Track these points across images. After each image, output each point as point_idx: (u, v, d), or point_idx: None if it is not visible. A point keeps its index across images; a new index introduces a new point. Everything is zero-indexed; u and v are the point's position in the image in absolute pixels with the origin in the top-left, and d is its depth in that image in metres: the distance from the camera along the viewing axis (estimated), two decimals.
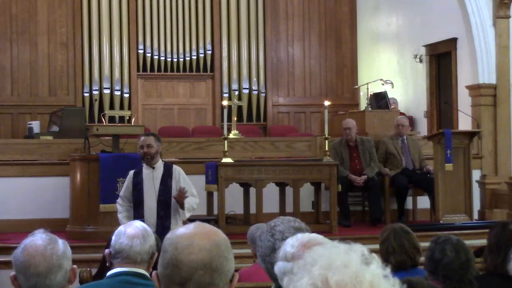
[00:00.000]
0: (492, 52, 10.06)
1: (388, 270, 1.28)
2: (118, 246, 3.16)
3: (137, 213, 6.13)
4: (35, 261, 2.54)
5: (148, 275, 3.13)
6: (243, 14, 13.12)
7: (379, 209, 8.86)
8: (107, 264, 3.26)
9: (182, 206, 6.06)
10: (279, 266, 2.42)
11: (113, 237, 3.22)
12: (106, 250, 3.25)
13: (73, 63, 12.55)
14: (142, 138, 6.22)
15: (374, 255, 1.32)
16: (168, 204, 6.16)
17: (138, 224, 3.27)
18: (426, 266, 3.68)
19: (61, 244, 2.64)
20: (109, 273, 3.17)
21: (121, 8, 12.71)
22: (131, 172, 6.29)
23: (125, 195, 6.26)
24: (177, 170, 6.27)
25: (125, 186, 6.31)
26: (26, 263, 2.55)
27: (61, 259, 2.58)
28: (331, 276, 1.23)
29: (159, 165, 6.19)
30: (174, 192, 6.11)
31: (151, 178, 6.15)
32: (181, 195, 6.01)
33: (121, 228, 3.24)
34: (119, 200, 6.33)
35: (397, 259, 4.03)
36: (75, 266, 2.69)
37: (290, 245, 2.40)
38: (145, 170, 6.19)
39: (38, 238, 2.62)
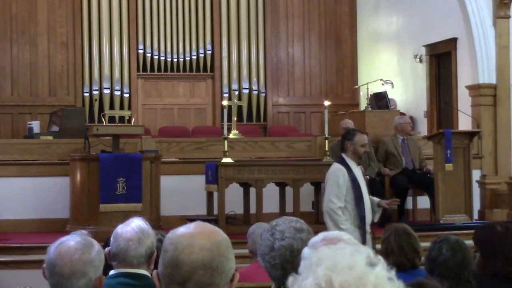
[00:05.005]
0: (492, 52, 10.06)
1: (393, 273, 1.29)
2: (115, 249, 3.14)
3: (359, 209, 5.83)
4: (62, 262, 2.53)
5: (148, 274, 3.12)
6: (243, 14, 13.11)
7: (385, 211, 8.80)
8: (109, 262, 3.25)
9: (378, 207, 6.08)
10: (303, 252, 2.47)
11: (111, 238, 3.21)
12: (106, 249, 3.24)
13: (73, 63, 12.55)
14: (364, 136, 6.09)
15: (379, 257, 1.32)
16: None
17: (134, 224, 3.21)
18: (425, 265, 3.69)
19: (94, 252, 2.58)
20: (110, 273, 3.16)
21: (121, 8, 12.71)
22: (340, 168, 5.93)
23: (342, 193, 5.84)
24: None
25: (340, 184, 5.86)
26: (54, 261, 2.55)
27: (87, 267, 2.54)
28: (335, 277, 1.23)
29: None
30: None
31: (360, 175, 6.04)
32: (390, 204, 6.24)
33: (118, 229, 3.21)
34: (338, 208, 5.83)
35: (395, 260, 4.03)
36: (103, 276, 2.64)
37: (319, 235, 2.43)
38: (354, 167, 5.99)
39: (73, 239, 2.59)
